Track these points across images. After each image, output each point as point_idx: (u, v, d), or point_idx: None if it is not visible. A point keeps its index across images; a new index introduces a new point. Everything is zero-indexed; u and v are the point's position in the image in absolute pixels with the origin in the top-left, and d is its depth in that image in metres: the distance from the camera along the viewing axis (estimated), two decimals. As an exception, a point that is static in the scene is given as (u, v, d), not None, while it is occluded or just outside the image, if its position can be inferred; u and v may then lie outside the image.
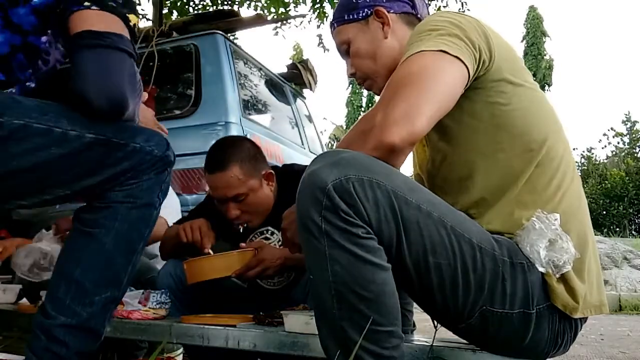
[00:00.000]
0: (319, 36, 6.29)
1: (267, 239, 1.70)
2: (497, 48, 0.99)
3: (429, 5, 1.29)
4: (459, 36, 0.95)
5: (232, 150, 1.62)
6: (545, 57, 24.93)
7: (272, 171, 1.71)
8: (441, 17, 1.00)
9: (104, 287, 1.07)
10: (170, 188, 2.44)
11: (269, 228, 1.72)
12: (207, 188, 1.68)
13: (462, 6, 6.38)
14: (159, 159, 1.09)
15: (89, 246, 1.05)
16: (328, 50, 6.31)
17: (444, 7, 6.65)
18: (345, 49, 1.22)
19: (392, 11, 1.17)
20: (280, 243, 1.63)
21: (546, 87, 24.58)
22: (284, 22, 5.83)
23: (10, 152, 0.94)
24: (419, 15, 1.20)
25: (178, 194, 2.85)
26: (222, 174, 1.58)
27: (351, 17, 1.19)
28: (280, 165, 1.83)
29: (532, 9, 25.75)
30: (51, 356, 1.02)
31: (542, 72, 24.64)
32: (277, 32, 6.03)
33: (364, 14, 1.17)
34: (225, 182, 1.57)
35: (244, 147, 1.66)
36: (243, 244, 1.57)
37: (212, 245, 1.56)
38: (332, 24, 1.24)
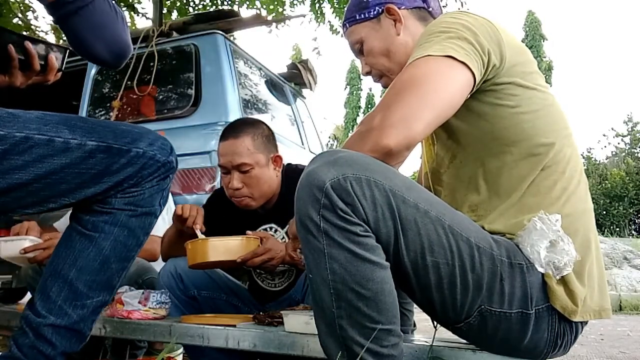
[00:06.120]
0: (315, 39, 6.28)
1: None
2: (508, 51, 0.99)
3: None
4: (468, 39, 0.95)
5: (247, 125, 1.69)
6: (544, 60, 24.96)
7: (280, 156, 1.73)
8: (453, 18, 1.00)
9: (97, 291, 1.07)
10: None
11: (273, 225, 1.73)
12: (217, 158, 1.70)
13: (462, 5, 6.35)
14: (161, 165, 1.09)
15: (87, 249, 1.05)
16: (321, 54, 6.30)
17: (443, 7, 6.63)
18: (358, 48, 1.22)
19: (403, 7, 1.17)
20: (283, 239, 1.63)
21: (546, 89, 24.63)
22: (284, 22, 5.83)
23: (13, 164, 0.94)
24: (430, 9, 1.19)
25: (178, 194, 2.86)
26: (233, 141, 1.64)
27: (363, 16, 1.19)
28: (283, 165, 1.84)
29: (530, 13, 25.81)
30: (36, 354, 1.02)
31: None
32: (270, 31, 6.03)
33: (375, 12, 1.18)
34: (235, 149, 1.63)
35: (260, 126, 1.72)
36: (249, 232, 1.57)
37: (203, 230, 1.56)
38: (344, 24, 1.24)
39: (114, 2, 1.06)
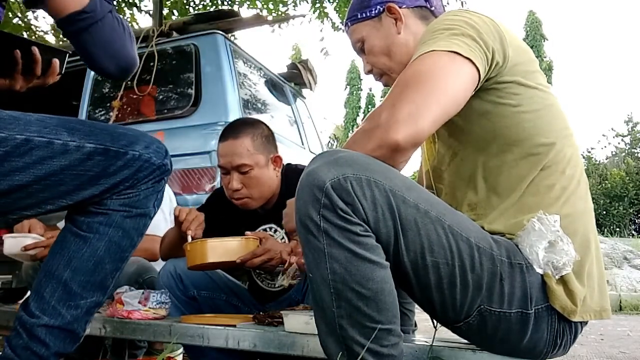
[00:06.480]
0: (322, 39, 6.25)
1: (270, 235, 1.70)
2: (511, 50, 0.99)
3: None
4: (472, 37, 0.95)
5: (247, 125, 1.69)
6: (545, 59, 24.96)
7: (280, 156, 1.73)
8: (456, 16, 1.00)
9: (91, 292, 1.08)
10: (170, 191, 2.43)
11: (272, 225, 1.73)
12: (217, 159, 1.70)
13: (462, 5, 6.35)
14: (156, 168, 1.11)
15: (81, 250, 1.06)
16: (329, 54, 6.28)
17: (446, 4, 6.61)
18: (360, 47, 1.22)
19: (404, 6, 1.17)
20: (282, 239, 1.63)
21: (546, 89, 24.68)
22: (284, 21, 5.82)
23: (14, 166, 0.95)
24: (432, 8, 1.19)
25: (178, 194, 2.86)
26: (233, 142, 1.63)
27: (364, 15, 1.19)
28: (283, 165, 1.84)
29: (531, 13, 25.83)
30: (30, 355, 1.03)
31: (542, 74, 24.74)
32: (273, 30, 6.03)
33: (376, 11, 1.18)
34: (234, 149, 1.63)
35: (260, 126, 1.72)
36: (248, 232, 1.57)
37: (198, 237, 1.55)
38: (346, 23, 1.25)
39: (121, 17, 1.08)
